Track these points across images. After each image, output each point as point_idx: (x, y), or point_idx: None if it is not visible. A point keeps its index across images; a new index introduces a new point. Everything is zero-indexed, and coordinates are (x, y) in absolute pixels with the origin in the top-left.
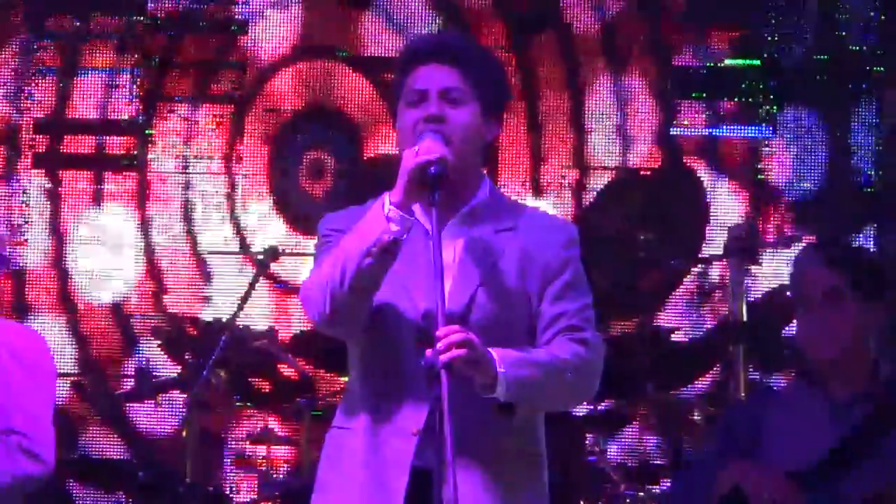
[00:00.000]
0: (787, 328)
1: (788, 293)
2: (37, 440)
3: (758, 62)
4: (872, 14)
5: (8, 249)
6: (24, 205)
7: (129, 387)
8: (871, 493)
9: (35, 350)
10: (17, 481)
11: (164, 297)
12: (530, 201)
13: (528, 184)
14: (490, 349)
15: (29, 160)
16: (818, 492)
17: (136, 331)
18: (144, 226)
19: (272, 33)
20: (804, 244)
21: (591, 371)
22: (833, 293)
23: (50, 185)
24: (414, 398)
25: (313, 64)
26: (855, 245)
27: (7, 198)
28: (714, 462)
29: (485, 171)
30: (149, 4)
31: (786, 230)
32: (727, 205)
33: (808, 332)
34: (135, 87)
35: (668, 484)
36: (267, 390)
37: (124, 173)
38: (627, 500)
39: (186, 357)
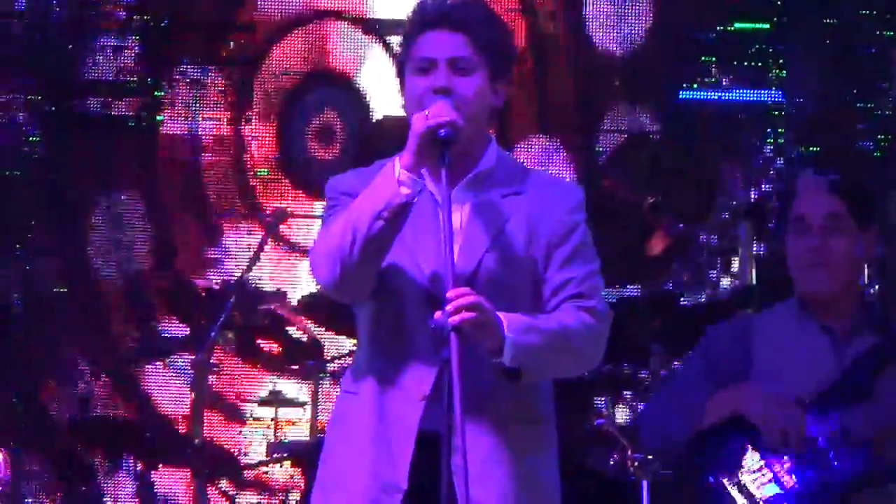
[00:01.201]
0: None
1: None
2: None
3: (767, 25)
4: None
5: None
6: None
7: (137, 348)
8: (877, 428)
9: None
10: None
11: (174, 258)
12: (538, 165)
13: (535, 147)
14: (499, 313)
15: (37, 122)
16: (826, 421)
17: (144, 293)
18: (152, 188)
19: None
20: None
21: (597, 340)
22: (833, 219)
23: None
24: (421, 362)
25: (322, 26)
26: (852, 168)
27: (16, 159)
28: (697, 388)
29: (493, 134)
30: None
31: None
32: (736, 168)
33: (805, 258)
34: (145, 48)
35: (643, 406)
36: (276, 352)
37: (132, 135)
38: (636, 464)
39: (195, 319)
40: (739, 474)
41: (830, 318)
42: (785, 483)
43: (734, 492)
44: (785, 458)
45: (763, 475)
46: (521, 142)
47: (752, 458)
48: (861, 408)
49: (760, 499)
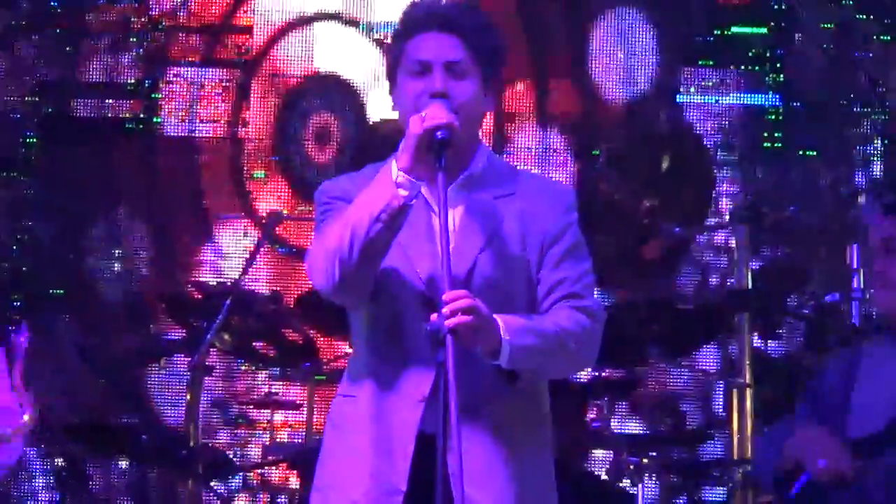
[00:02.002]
0: (791, 295)
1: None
2: None
3: (765, 30)
4: None
5: None
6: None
7: (134, 351)
8: None
9: None
10: None
11: (170, 260)
12: (535, 167)
13: (532, 149)
14: (495, 315)
15: (36, 124)
16: (880, 460)
17: (141, 295)
18: (150, 190)
19: None
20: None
21: (592, 340)
22: (890, 243)
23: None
24: (418, 364)
25: (319, 29)
26: None
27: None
28: (789, 428)
29: (482, 139)
30: None
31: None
32: (733, 172)
33: (874, 282)
34: (141, 50)
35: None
36: (271, 355)
37: (130, 137)
38: (631, 467)
39: (191, 321)
40: None
41: None
42: None
43: None
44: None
45: None
46: (520, 144)
47: None
48: None
49: None
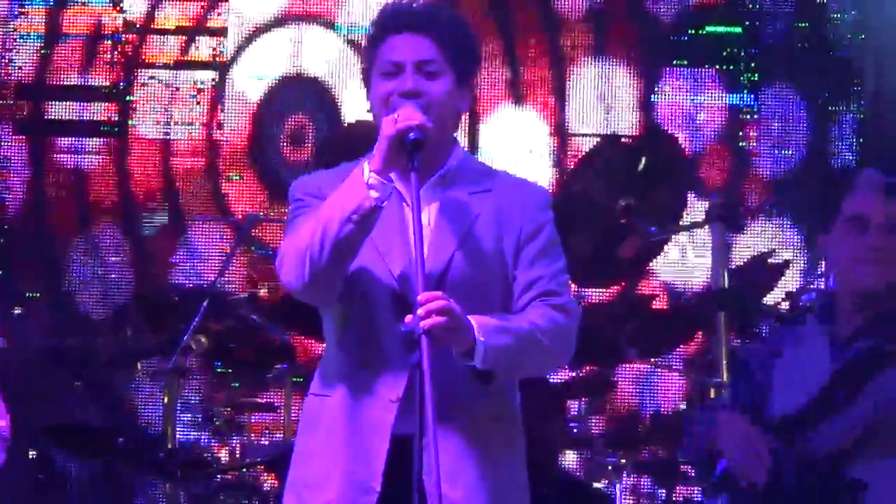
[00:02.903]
0: (768, 295)
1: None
2: None
3: (739, 30)
4: None
5: None
6: (5, 170)
7: (110, 353)
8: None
9: None
10: None
11: (146, 263)
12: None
13: (508, 150)
14: (469, 317)
15: (11, 126)
16: (792, 443)
17: (117, 297)
18: (125, 193)
19: (252, 0)
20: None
21: (567, 337)
22: (890, 222)
23: (32, 152)
24: (393, 365)
25: (293, 31)
26: None
27: None
28: (715, 409)
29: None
30: None
31: (767, 197)
32: (709, 172)
33: (864, 255)
34: (116, 53)
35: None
36: (248, 356)
37: (105, 139)
38: (609, 467)
39: (168, 323)
40: None
41: (843, 321)
42: None
43: None
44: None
45: None
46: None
47: None
48: (837, 419)
49: None
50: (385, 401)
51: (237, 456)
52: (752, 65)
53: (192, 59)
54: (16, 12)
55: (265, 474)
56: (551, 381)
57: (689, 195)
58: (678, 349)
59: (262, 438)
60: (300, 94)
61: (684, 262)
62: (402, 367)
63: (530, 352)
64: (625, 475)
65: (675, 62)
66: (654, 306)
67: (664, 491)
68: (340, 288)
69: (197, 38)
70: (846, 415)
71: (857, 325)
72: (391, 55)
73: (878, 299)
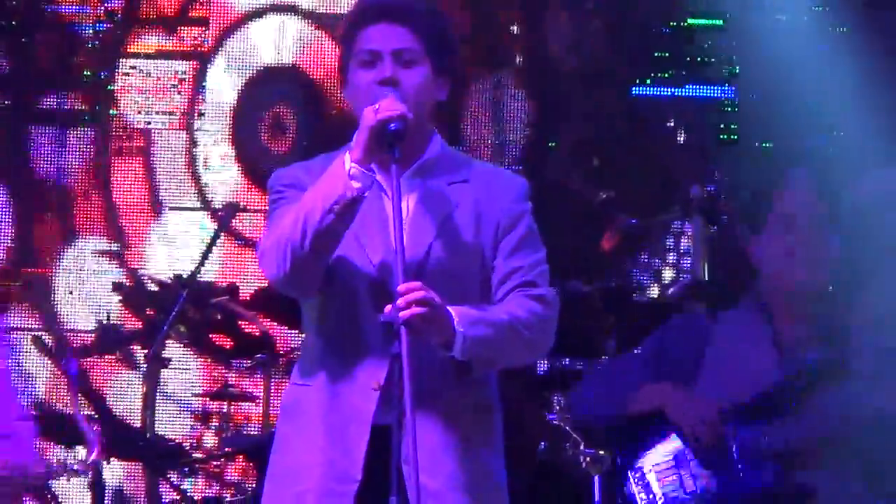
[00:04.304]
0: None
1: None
2: None
3: (720, 22)
4: None
5: None
6: None
7: (90, 342)
8: (795, 442)
9: None
10: None
11: (125, 252)
12: (493, 160)
13: (489, 142)
14: (449, 307)
15: None
16: (744, 433)
17: (97, 287)
18: (105, 181)
19: None
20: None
21: (546, 327)
22: (820, 222)
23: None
24: (373, 354)
25: (275, 21)
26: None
27: None
28: (638, 375)
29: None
30: None
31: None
32: (689, 164)
33: (791, 254)
34: (97, 43)
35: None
36: (227, 346)
37: (86, 129)
38: (588, 459)
39: (147, 313)
40: (644, 467)
41: (785, 322)
42: (686, 486)
43: (633, 481)
44: (693, 462)
45: (668, 474)
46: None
47: (662, 455)
48: (785, 422)
49: (658, 496)
50: (366, 389)
51: (216, 445)
52: (733, 58)
53: (174, 48)
54: None
55: (244, 464)
56: (532, 372)
57: (669, 188)
58: None
59: (241, 428)
60: (281, 83)
61: (664, 254)
62: (383, 356)
63: (509, 342)
64: (603, 467)
65: (656, 54)
66: (633, 298)
67: None
68: (321, 279)
69: (178, 27)
70: (800, 422)
71: (802, 332)
72: (369, 44)
73: (811, 300)
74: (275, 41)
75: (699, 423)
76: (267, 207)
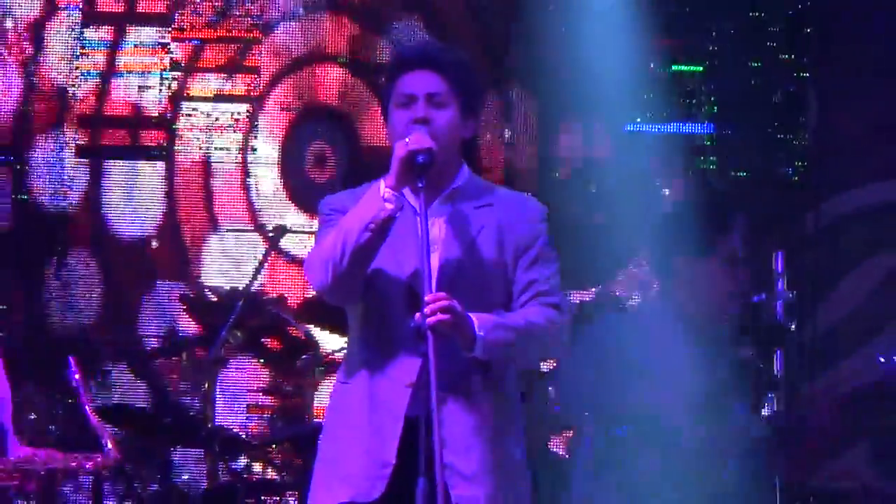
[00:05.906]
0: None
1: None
2: None
3: (700, 68)
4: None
5: None
6: (68, 189)
7: (159, 346)
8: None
9: None
10: None
11: (190, 267)
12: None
13: (500, 170)
14: (470, 314)
15: (73, 150)
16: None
17: (165, 298)
18: (172, 208)
19: (282, 43)
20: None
21: (560, 331)
22: (733, 257)
23: (91, 173)
24: (405, 355)
25: (317, 69)
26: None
27: (54, 183)
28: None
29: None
30: (175, 16)
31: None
32: (673, 193)
33: (732, 288)
34: (164, 88)
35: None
36: (277, 349)
37: (154, 163)
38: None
39: (209, 320)
40: None
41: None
42: None
43: None
44: None
45: None
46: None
47: None
48: None
49: None
50: (400, 386)
51: (268, 434)
52: (712, 98)
53: (230, 92)
54: (77, 53)
55: (291, 451)
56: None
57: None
58: None
59: (289, 419)
60: (322, 122)
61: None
62: (414, 356)
63: (525, 344)
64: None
65: (645, 96)
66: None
67: None
68: (360, 290)
69: (234, 75)
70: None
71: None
72: (405, 88)
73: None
74: (316, 86)
75: None
76: (312, 229)
